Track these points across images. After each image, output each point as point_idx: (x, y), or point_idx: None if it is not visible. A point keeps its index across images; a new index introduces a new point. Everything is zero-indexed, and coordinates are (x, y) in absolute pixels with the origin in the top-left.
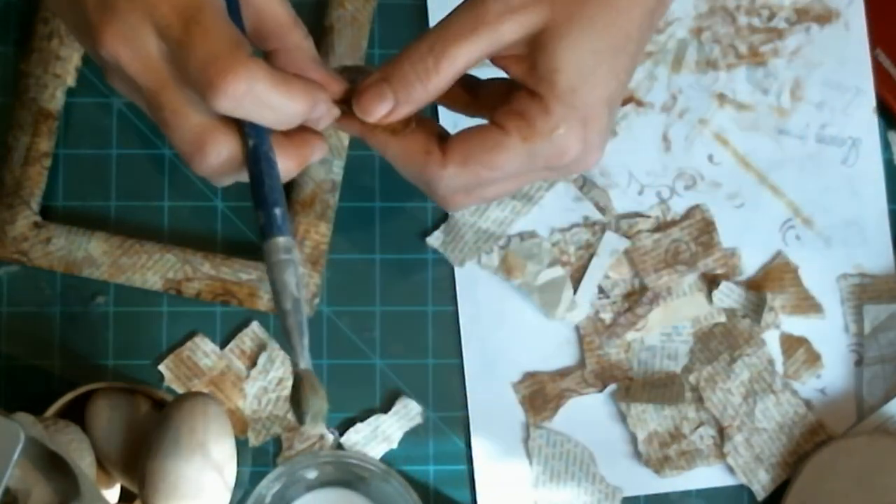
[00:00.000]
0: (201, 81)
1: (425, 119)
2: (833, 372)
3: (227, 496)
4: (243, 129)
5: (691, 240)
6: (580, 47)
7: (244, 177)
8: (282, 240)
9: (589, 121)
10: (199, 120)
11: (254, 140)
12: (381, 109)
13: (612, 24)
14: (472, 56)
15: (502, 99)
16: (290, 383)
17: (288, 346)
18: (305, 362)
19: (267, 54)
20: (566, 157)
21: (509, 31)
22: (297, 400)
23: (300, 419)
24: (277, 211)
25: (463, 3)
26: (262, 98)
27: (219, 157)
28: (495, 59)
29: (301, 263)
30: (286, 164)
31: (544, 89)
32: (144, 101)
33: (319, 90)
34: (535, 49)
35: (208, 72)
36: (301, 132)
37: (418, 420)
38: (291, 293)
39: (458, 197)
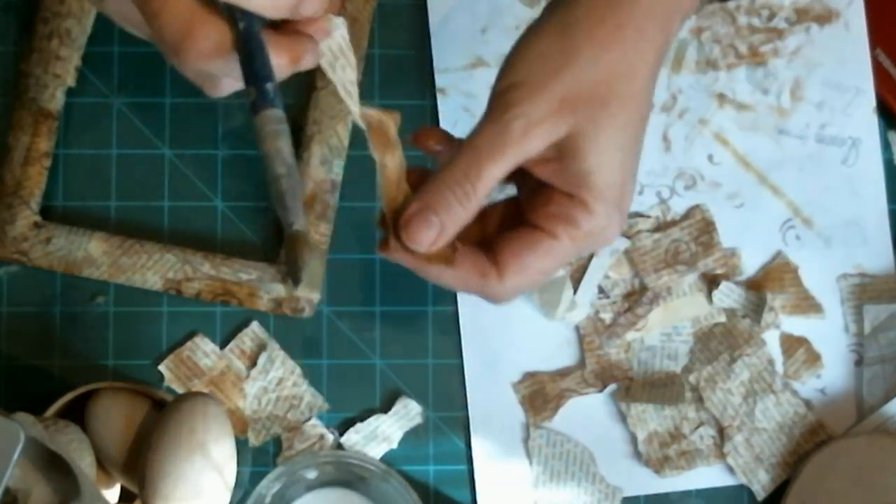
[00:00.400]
0: None
1: (465, 238)
2: (833, 372)
3: (227, 496)
4: (233, 15)
5: (691, 240)
6: (609, 147)
7: (231, 68)
8: (274, 111)
9: (623, 203)
10: (185, 7)
11: (244, 23)
12: (430, 235)
13: (632, 116)
14: (503, 172)
15: (535, 199)
16: (289, 382)
17: (281, 210)
18: (301, 224)
19: None
20: (608, 242)
21: (535, 144)
22: (292, 259)
23: (296, 278)
24: (269, 85)
25: (484, 119)
26: None
27: (207, 40)
28: (525, 165)
29: None
30: (277, 60)
31: (584, 192)
32: None
33: None
34: (564, 154)
35: None
36: (293, 31)
37: (418, 420)
38: (285, 159)
39: (515, 295)
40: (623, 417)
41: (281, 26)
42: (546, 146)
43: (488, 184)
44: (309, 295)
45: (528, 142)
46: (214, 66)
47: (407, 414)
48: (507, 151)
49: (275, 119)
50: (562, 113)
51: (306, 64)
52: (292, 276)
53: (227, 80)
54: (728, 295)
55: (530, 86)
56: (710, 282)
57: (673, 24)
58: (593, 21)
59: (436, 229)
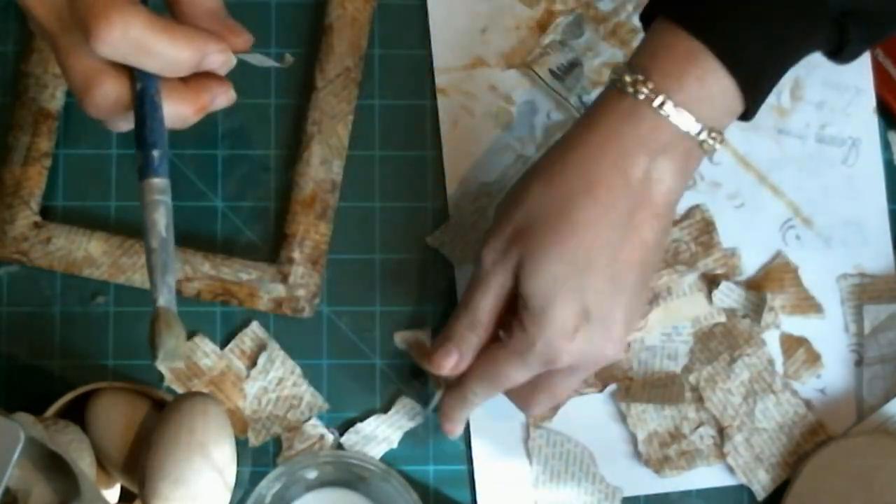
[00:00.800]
0: (82, 26)
1: None
2: (833, 372)
3: (227, 496)
4: (134, 73)
5: (691, 240)
6: (543, 274)
7: (131, 121)
8: (156, 181)
9: (569, 332)
10: (89, 62)
11: (141, 83)
12: (450, 361)
13: (568, 250)
14: (490, 301)
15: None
16: (289, 382)
17: (151, 283)
18: (164, 300)
19: (169, 4)
20: (560, 363)
21: (502, 276)
22: (152, 336)
23: (153, 354)
24: (155, 153)
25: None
26: (140, 44)
27: (105, 98)
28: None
29: (301, 263)
30: (181, 110)
31: (524, 311)
32: (49, 44)
33: (211, 40)
34: (517, 279)
35: (87, 16)
36: (200, 79)
37: (418, 420)
38: (159, 232)
39: (523, 402)
40: (623, 417)
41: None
42: (510, 274)
43: (485, 313)
44: (166, 367)
45: (496, 272)
46: (112, 121)
47: (407, 414)
48: (486, 284)
49: (156, 189)
50: (515, 242)
51: (219, 105)
52: (151, 348)
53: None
54: (728, 295)
55: (497, 220)
56: (710, 282)
57: (636, 160)
58: (545, 161)
59: (455, 356)
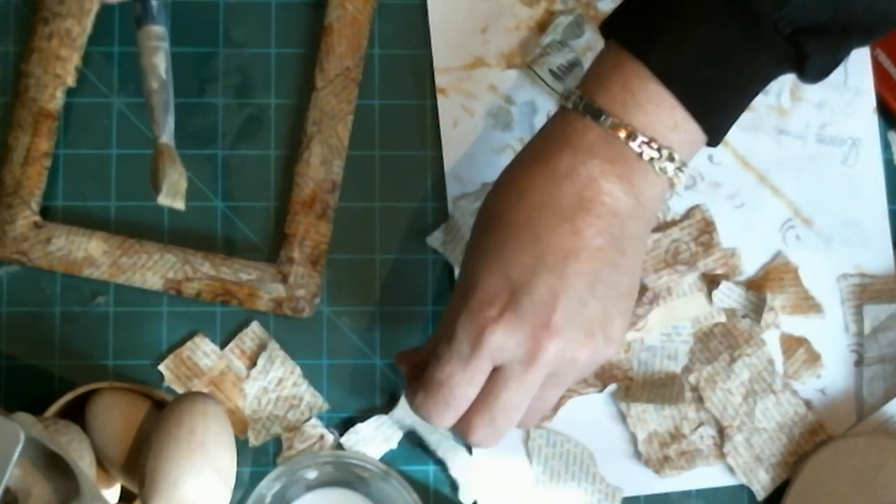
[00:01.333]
0: None
1: None
2: (833, 372)
3: (228, 496)
4: None
5: (691, 240)
6: (468, 256)
7: None
8: (155, 28)
9: (495, 303)
10: None
11: None
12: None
13: (488, 231)
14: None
15: None
16: (289, 382)
17: (151, 122)
18: (167, 136)
19: None
20: (486, 342)
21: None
22: (154, 172)
23: (156, 189)
24: (153, 2)
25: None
26: None
27: None
28: None
29: (301, 263)
30: None
31: (451, 298)
32: None
33: None
34: None
35: None
36: None
37: (415, 420)
38: (159, 74)
39: (465, 426)
40: (623, 417)
41: None
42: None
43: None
44: (167, 204)
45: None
46: None
47: (407, 414)
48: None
49: (154, 35)
50: (474, 234)
51: None
52: (154, 184)
53: None
54: (728, 295)
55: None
56: (710, 282)
57: (561, 156)
58: (514, 160)
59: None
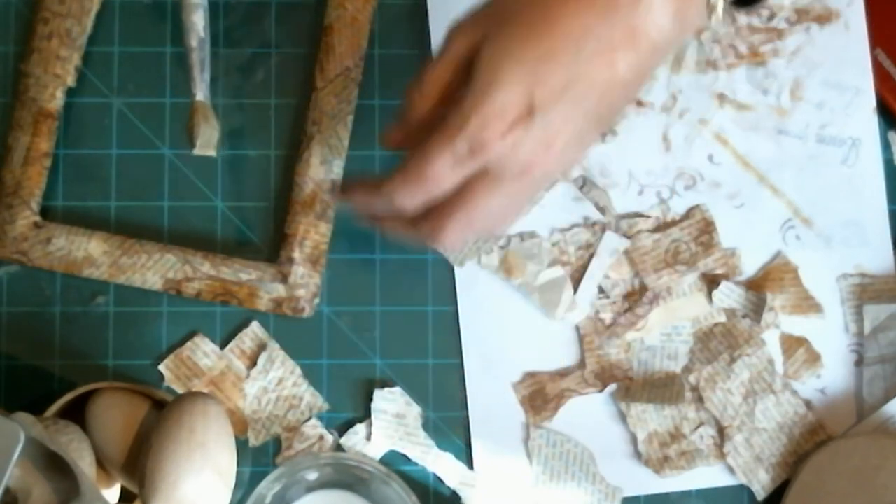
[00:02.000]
0: None
1: None
2: (833, 372)
3: (228, 496)
4: None
5: (691, 240)
6: (500, 50)
7: None
8: None
9: (507, 118)
10: None
11: None
12: (415, 96)
13: (534, 34)
14: (443, 69)
15: None
16: (289, 382)
17: (190, 79)
18: (203, 94)
19: None
20: (487, 152)
21: (461, 46)
22: (190, 126)
23: (191, 141)
24: None
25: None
26: None
27: None
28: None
29: (301, 263)
30: None
31: (467, 89)
32: None
33: None
34: (472, 59)
35: None
36: None
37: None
38: (198, 33)
39: (435, 225)
40: (623, 417)
41: None
42: (470, 45)
43: (432, 83)
44: (204, 153)
45: (456, 41)
46: None
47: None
48: (442, 52)
49: None
50: (484, 19)
51: None
52: (189, 138)
53: None
54: (728, 295)
55: (473, 8)
56: (710, 282)
57: None
58: None
59: (417, 93)
